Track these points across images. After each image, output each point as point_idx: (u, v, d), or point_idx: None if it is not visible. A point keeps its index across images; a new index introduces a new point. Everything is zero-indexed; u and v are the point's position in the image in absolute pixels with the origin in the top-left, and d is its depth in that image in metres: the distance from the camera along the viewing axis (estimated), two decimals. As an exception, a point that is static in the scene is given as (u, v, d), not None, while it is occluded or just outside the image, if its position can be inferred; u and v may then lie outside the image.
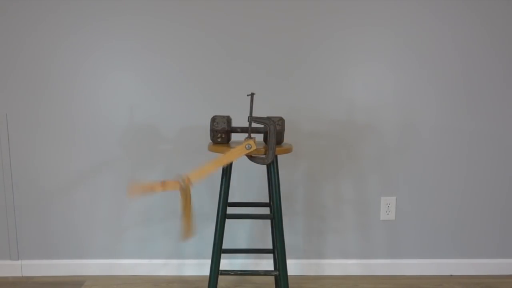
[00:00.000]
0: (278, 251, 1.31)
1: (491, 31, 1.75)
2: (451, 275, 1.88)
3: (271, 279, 1.80)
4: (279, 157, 1.76)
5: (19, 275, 1.83)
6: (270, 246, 1.83)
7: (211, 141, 1.38)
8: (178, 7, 1.71)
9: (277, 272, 1.31)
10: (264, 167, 1.78)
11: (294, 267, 1.85)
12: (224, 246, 1.80)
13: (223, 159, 1.20)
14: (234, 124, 1.73)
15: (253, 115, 1.75)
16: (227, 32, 1.73)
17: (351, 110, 1.78)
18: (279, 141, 1.34)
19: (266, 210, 1.80)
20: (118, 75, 1.74)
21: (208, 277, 1.33)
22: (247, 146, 1.20)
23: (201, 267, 1.85)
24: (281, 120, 1.33)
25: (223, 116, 1.34)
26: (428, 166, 1.82)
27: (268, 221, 1.82)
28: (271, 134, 1.22)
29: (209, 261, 1.80)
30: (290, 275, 1.84)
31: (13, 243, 1.82)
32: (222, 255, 1.80)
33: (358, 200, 1.84)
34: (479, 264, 1.88)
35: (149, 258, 1.85)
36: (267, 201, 1.77)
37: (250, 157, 1.26)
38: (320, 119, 1.78)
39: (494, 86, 1.78)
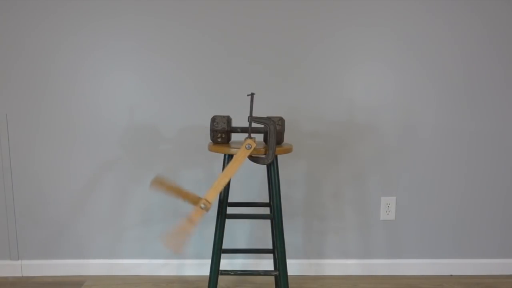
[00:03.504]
0: (278, 251, 1.31)
1: (491, 31, 1.75)
2: (451, 275, 1.88)
3: (271, 279, 1.80)
4: (279, 157, 1.76)
5: (19, 275, 1.83)
6: (270, 246, 1.83)
7: (211, 141, 1.38)
8: (178, 7, 1.71)
9: (277, 272, 1.31)
10: (264, 167, 1.78)
11: (294, 267, 1.85)
12: (224, 246, 1.80)
13: (230, 169, 1.20)
14: (234, 124, 1.73)
15: (253, 115, 1.75)
16: (227, 32, 1.73)
17: (351, 110, 1.78)
18: (279, 141, 1.34)
19: (266, 210, 1.80)
20: (118, 75, 1.74)
21: (208, 277, 1.33)
22: (247, 146, 1.20)
23: (201, 267, 1.85)
24: (281, 120, 1.33)
25: (223, 116, 1.34)
26: (428, 166, 1.82)
27: (268, 221, 1.82)
28: (271, 134, 1.22)
29: (209, 261, 1.81)
30: (290, 275, 1.84)
31: (13, 243, 1.82)
32: (222, 255, 1.81)
33: (358, 200, 1.84)
34: (479, 264, 1.88)
35: (149, 258, 1.85)
36: (267, 201, 1.77)
37: (250, 157, 1.26)
38: (320, 119, 1.78)
39: (494, 86, 1.78)
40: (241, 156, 1.20)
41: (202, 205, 1.16)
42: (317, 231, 1.85)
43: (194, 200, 1.17)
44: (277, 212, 1.30)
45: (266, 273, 1.32)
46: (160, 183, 1.19)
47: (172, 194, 1.20)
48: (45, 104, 1.74)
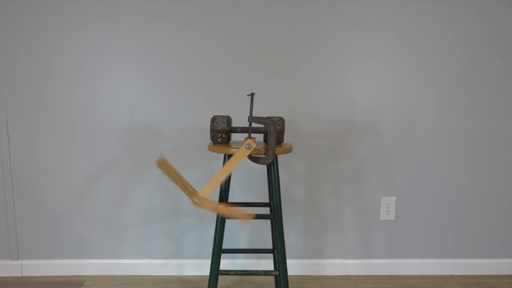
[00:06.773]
0: (278, 251, 1.31)
1: (491, 30, 1.75)
2: (451, 275, 1.88)
3: (271, 279, 1.80)
4: (279, 157, 1.76)
5: (19, 275, 1.83)
6: (270, 246, 1.83)
7: (211, 141, 1.38)
8: (178, 7, 1.71)
9: (277, 272, 1.31)
10: (264, 167, 1.78)
11: (294, 267, 1.85)
12: (224, 246, 1.80)
13: (228, 167, 1.20)
14: (234, 124, 1.73)
15: (253, 115, 1.75)
16: (227, 32, 1.73)
17: (351, 110, 1.78)
18: (279, 141, 1.34)
19: (266, 210, 1.80)
20: (118, 75, 1.74)
21: (208, 277, 1.33)
22: (247, 146, 1.20)
23: (201, 267, 1.85)
24: (281, 120, 1.33)
25: (223, 116, 1.34)
26: (428, 166, 1.82)
27: (268, 221, 1.82)
28: (271, 134, 1.22)
29: (209, 261, 1.81)
30: (290, 275, 1.84)
31: (13, 243, 1.82)
32: (222, 255, 1.80)
33: (358, 200, 1.84)
34: (479, 264, 1.88)
35: (149, 258, 1.85)
36: (267, 201, 1.77)
37: (250, 157, 1.26)
38: (320, 119, 1.78)
39: (494, 85, 1.78)
40: (240, 155, 1.20)
41: (196, 200, 1.16)
42: (317, 231, 1.85)
43: (191, 192, 1.18)
44: (277, 212, 1.30)
45: (266, 273, 1.32)
46: (163, 164, 1.21)
47: (172, 179, 1.21)
48: (45, 104, 1.74)
